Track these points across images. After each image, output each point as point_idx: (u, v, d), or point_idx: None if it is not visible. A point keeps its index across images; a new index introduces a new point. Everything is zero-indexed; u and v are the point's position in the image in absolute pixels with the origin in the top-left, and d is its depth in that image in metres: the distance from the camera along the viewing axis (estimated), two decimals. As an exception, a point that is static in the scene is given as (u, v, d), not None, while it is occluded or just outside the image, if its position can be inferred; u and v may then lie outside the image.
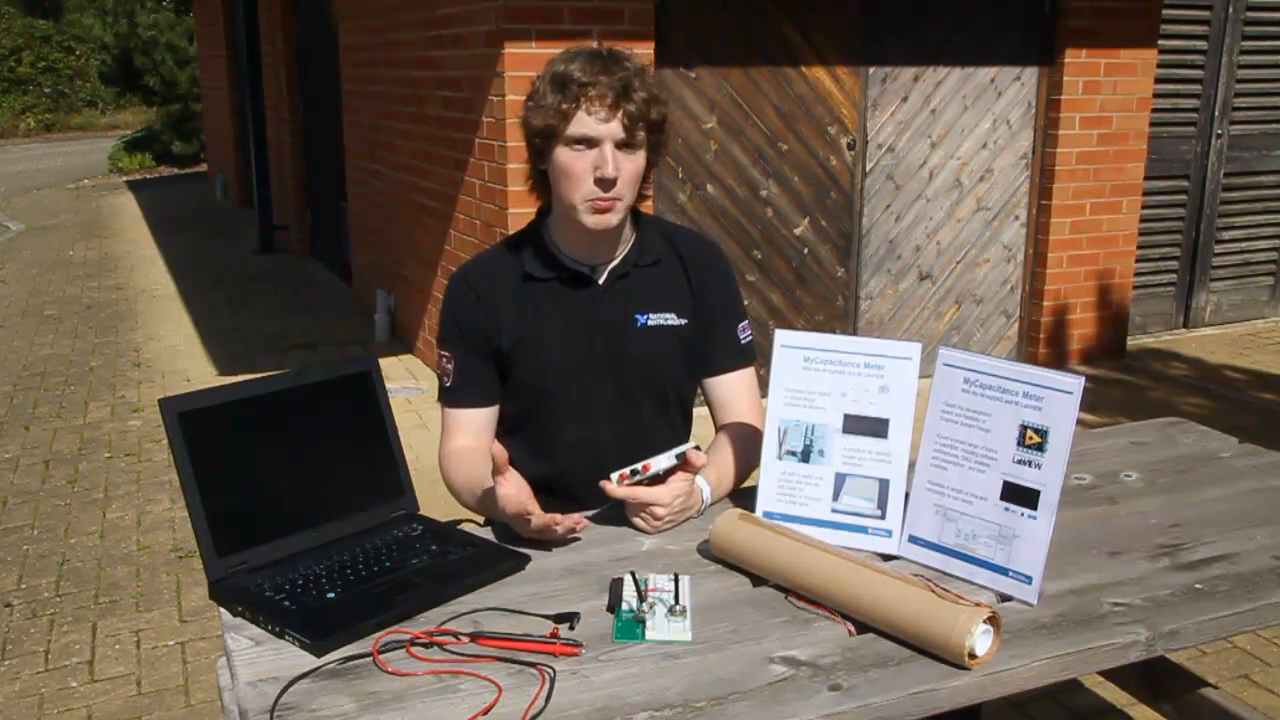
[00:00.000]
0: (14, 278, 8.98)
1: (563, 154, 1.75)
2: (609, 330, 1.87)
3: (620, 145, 1.74)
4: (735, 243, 5.11)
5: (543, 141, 1.78)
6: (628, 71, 1.73)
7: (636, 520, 1.70)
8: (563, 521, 1.61)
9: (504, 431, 1.96)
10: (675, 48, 4.80)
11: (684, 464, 1.68)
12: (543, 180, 1.86)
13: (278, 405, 1.62)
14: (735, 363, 1.96)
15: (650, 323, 1.89)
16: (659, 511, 1.67)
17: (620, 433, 1.88)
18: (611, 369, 1.88)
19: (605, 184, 1.74)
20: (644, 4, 4.59)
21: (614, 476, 1.64)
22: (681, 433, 1.99)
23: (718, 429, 1.96)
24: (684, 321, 1.91)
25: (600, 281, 1.88)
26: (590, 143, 1.73)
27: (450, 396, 1.92)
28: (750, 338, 1.98)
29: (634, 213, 1.90)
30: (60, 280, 8.80)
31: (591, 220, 1.77)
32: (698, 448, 1.70)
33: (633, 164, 1.76)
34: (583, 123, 1.72)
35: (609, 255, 1.88)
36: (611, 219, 1.78)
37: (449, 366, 1.91)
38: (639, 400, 1.90)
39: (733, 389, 1.96)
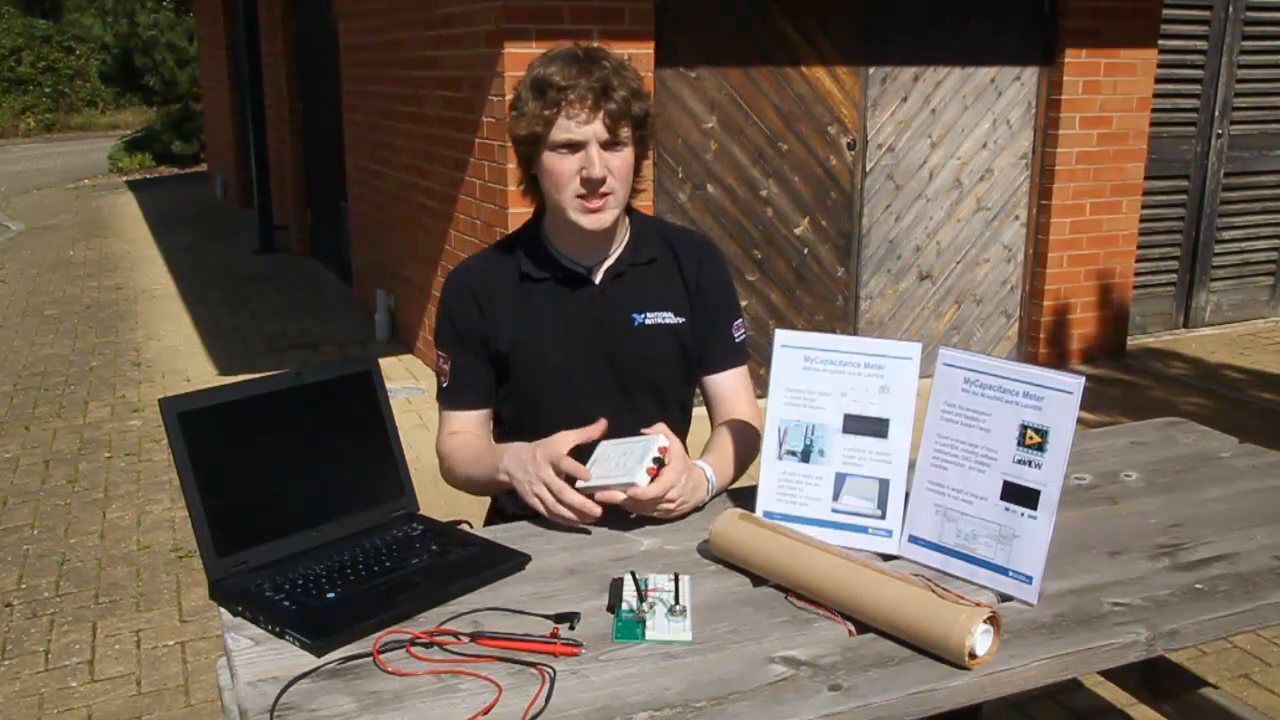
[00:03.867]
0: (14, 278, 8.97)
1: (550, 159, 1.76)
2: (607, 330, 1.87)
3: (605, 145, 1.75)
4: (735, 243, 5.11)
5: (529, 148, 1.79)
6: (606, 70, 1.74)
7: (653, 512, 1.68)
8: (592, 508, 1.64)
9: (502, 432, 1.97)
10: (675, 47, 4.80)
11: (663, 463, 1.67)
12: (534, 184, 1.86)
13: (278, 405, 1.62)
14: (730, 361, 1.96)
15: (648, 321, 1.89)
16: (671, 494, 1.65)
17: (619, 434, 1.87)
18: (610, 369, 1.88)
19: (593, 184, 1.75)
20: (644, 4, 4.59)
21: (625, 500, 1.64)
22: (682, 434, 1.99)
23: (714, 426, 1.96)
24: (681, 320, 1.91)
25: (597, 281, 1.88)
26: (575, 146, 1.74)
27: (447, 397, 1.94)
28: (744, 336, 1.98)
29: (629, 211, 1.91)
30: (60, 280, 8.79)
31: (586, 220, 1.78)
32: (660, 453, 1.68)
33: (620, 160, 1.77)
34: (565, 127, 1.73)
35: (604, 254, 1.89)
36: (605, 218, 1.79)
37: (445, 367, 1.93)
38: (637, 400, 1.90)
39: (731, 387, 1.97)
